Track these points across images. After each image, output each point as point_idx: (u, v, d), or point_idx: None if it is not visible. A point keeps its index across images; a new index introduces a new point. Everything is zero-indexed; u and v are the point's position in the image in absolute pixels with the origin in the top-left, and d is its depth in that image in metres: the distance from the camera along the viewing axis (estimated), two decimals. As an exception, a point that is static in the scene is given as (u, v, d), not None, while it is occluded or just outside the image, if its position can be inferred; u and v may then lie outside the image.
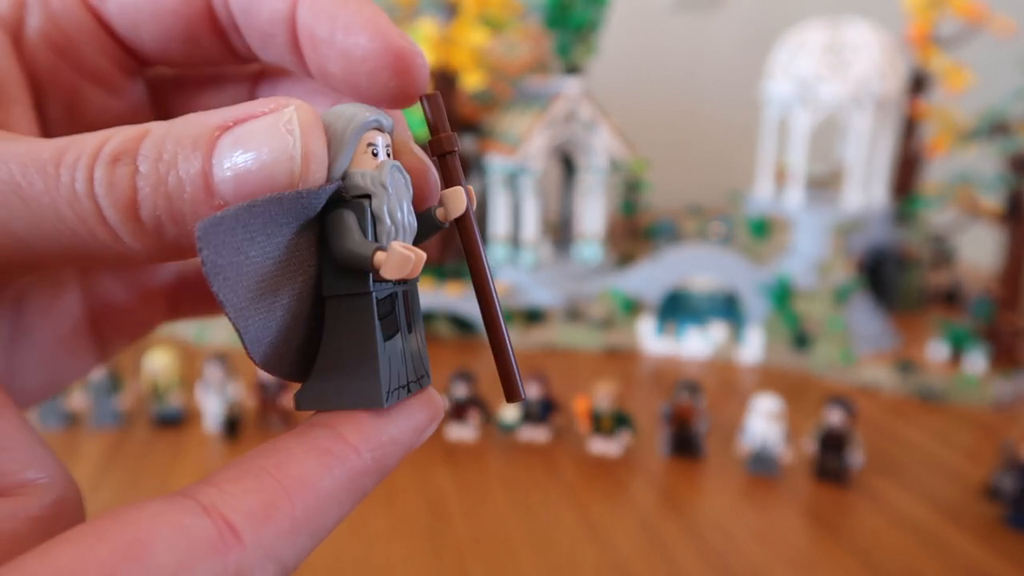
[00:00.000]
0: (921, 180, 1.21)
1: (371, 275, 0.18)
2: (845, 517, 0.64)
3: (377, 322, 0.18)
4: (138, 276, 0.27)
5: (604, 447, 0.73)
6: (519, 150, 1.05)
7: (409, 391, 0.19)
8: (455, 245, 1.16)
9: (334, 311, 0.18)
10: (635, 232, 1.31)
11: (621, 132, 1.11)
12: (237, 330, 0.17)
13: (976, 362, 0.90)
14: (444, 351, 0.99)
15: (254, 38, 0.20)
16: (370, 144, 0.18)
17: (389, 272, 0.17)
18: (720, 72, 1.72)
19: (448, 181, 0.20)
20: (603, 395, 0.72)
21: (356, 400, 0.18)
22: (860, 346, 0.93)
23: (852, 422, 0.68)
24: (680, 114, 1.71)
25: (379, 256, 0.17)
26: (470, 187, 0.20)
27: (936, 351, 0.95)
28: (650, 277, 1.01)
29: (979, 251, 1.25)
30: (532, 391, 0.75)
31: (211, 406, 0.74)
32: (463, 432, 0.75)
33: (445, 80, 1.07)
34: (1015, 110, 0.95)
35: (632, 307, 1.01)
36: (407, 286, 0.19)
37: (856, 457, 0.68)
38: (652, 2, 1.71)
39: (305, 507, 0.16)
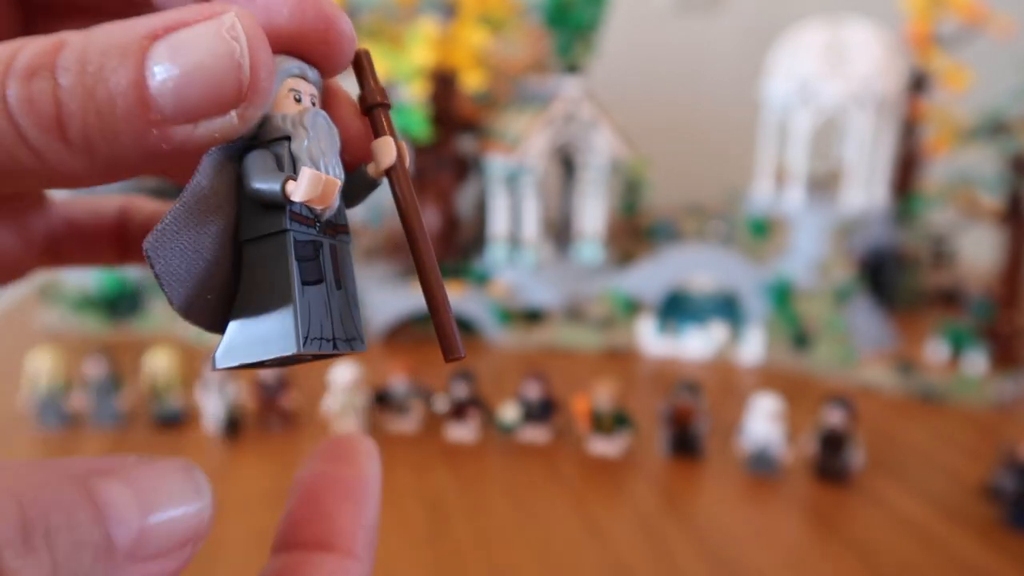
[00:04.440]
0: (921, 180, 1.21)
1: (288, 213, 0.17)
2: (845, 517, 0.64)
3: (294, 261, 0.17)
4: (12, 213, 0.24)
5: (604, 447, 0.73)
6: (519, 150, 1.05)
7: (336, 348, 0.18)
8: (455, 244, 1.16)
9: (251, 255, 0.18)
10: (635, 232, 1.31)
11: (622, 132, 1.11)
12: (166, 295, 0.17)
13: (976, 362, 0.90)
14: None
15: None
16: (292, 90, 0.18)
17: (300, 194, 0.16)
18: (720, 72, 1.72)
19: (377, 135, 0.19)
20: (603, 395, 0.72)
21: (271, 346, 0.17)
22: (860, 346, 0.93)
23: (852, 422, 0.68)
24: (680, 114, 1.71)
25: (290, 184, 0.17)
26: (402, 142, 0.19)
27: (936, 351, 0.95)
28: (650, 277, 1.01)
29: (979, 251, 1.25)
30: (532, 391, 0.75)
31: (211, 406, 0.74)
32: (463, 432, 0.75)
33: (445, 80, 1.07)
34: (1015, 110, 0.95)
35: (632, 307, 1.01)
36: (336, 240, 0.19)
37: (856, 457, 0.68)
38: (652, 2, 1.71)
39: None
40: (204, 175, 0.17)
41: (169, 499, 0.15)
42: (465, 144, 1.16)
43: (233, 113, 0.16)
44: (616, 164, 1.12)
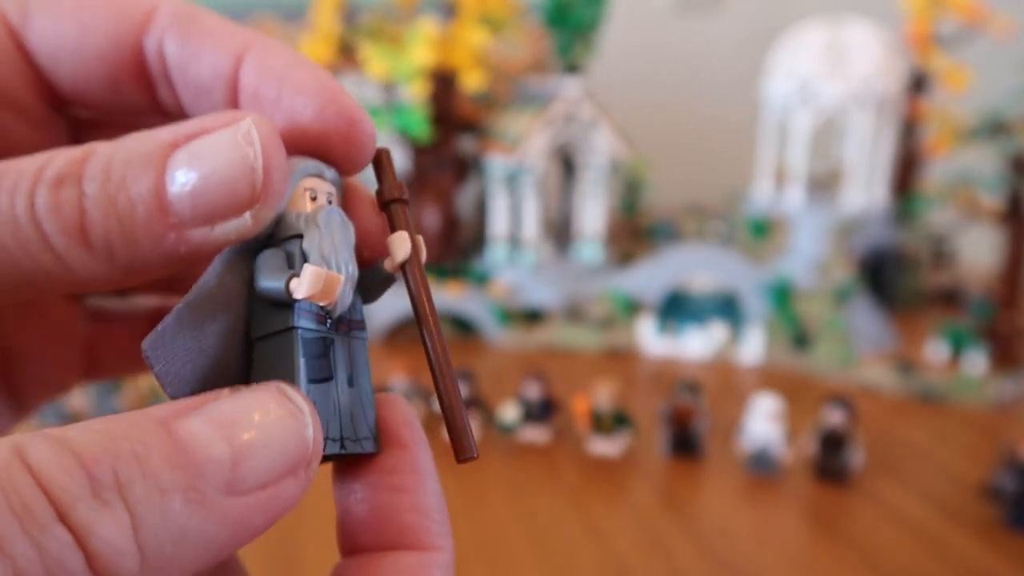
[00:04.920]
0: (921, 180, 1.21)
1: (296, 311, 0.17)
2: (845, 517, 0.64)
3: (301, 359, 0.17)
4: (52, 322, 0.24)
5: (604, 447, 0.73)
6: (519, 150, 1.05)
7: (343, 448, 0.18)
8: (455, 244, 1.16)
9: (260, 353, 0.18)
10: (635, 232, 1.30)
11: (622, 132, 1.11)
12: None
13: (976, 362, 0.90)
14: (444, 351, 0.99)
15: (188, 93, 0.19)
16: (308, 189, 0.18)
17: (303, 291, 0.16)
18: (720, 72, 1.72)
19: (394, 229, 0.19)
20: (603, 395, 0.72)
21: None
22: (860, 346, 0.93)
23: (852, 422, 0.68)
24: (680, 114, 1.71)
25: (293, 281, 0.17)
26: (418, 237, 0.19)
27: (936, 351, 0.95)
28: (650, 277, 1.01)
29: (979, 251, 1.25)
30: (532, 391, 0.75)
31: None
32: (463, 432, 0.75)
33: (445, 80, 1.07)
34: (1015, 110, 0.95)
35: (632, 307, 1.01)
36: (349, 336, 0.18)
37: (856, 457, 0.68)
38: (652, 2, 1.71)
39: None
40: (212, 274, 0.17)
41: (261, 425, 0.15)
42: (465, 144, 1.16)
43: (248, 214, 0.16)
44: (616, 164, 1.12)
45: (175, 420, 0.14)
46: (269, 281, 0.17)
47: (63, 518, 0.12)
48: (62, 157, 0.16)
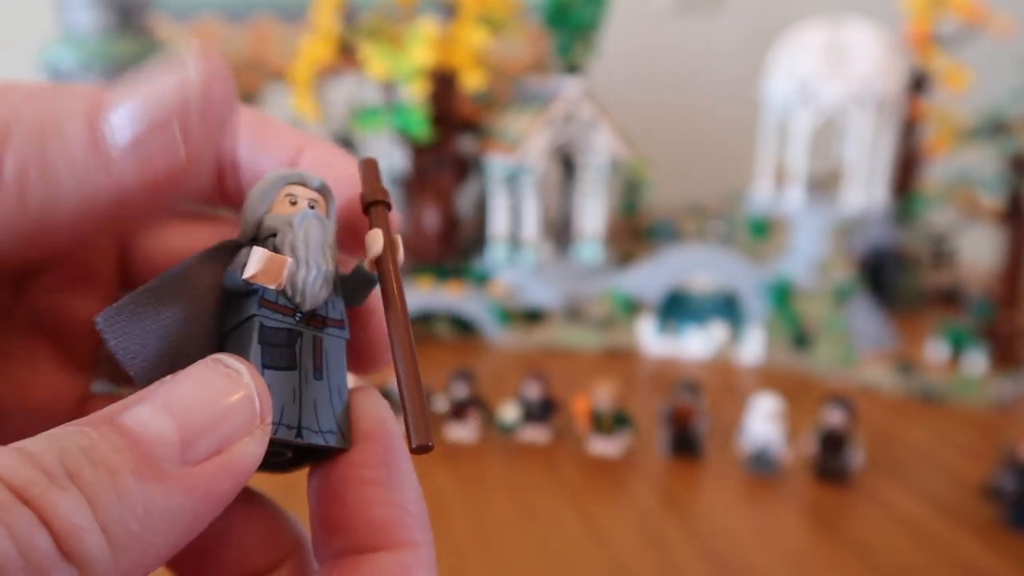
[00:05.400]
0: (921, 180, 1.21)
1: (258, 300, 0.18)
2: (845, 517, 0.64)
3: (257, 345, 0.17)
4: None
5: (604, 447, 0.73)
6: (519, 150, 1.05)
7: (300, 436, 0.17)
8: (455, 244, 1.16)
9: (226, 344, 0.18)
10: (635, 232, 1.30)
11: (622, 132, 1.11)
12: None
13: (976, 362, 0.90)
14: (444, 351, 0.99)
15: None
16: (288, 195, 0.19)
17: (249, 270, 0.17)
18: (720, 72, 1.72)
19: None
20: (603, 395, 0.72)
21: None
22: (860, 346, 0.93)
23: (852, 422, 0.68)
24: (680, 114, 1.71)
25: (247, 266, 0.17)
26: (396, 236, 0.19)
27: (936, 351, 0.95)
28: (650, 277, 1.01)
29: (979, 251, 1.25)
30: (532, 391, 0.75)
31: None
32: (463, 432, 0.75)
33: (445, 80, 1.07)
34: (1015, 110, 0.94)
35: (632, 307, 1.01)
36: (322, 333, 0.19)
37: (856, 457, 0.68)
38: (652, 2, 1.71)
39: None
40: (183, 264, 0.18)
41: (201, 394, 0.15)
42: (465, 144, 1.16)
43: (178, 137, 0.16)
44: (616, 164, 1.12)
45: (119, 414, 0.14)
46: (230, 269, 0.18)
47: (24, 501, 0.13)
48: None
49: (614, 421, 0.72)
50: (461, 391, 0.75)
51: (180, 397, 0.15)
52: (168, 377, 0.16)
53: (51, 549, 0.13)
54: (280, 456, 0.19)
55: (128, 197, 0.16)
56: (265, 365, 0.17)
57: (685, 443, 0.72)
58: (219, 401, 0.15)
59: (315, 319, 0.19)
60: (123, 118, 0.16)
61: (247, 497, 0.20)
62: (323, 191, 0.20)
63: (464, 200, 1.21)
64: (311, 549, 0.19)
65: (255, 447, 0.16)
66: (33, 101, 0.16)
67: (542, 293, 1.06)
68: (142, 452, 0.14)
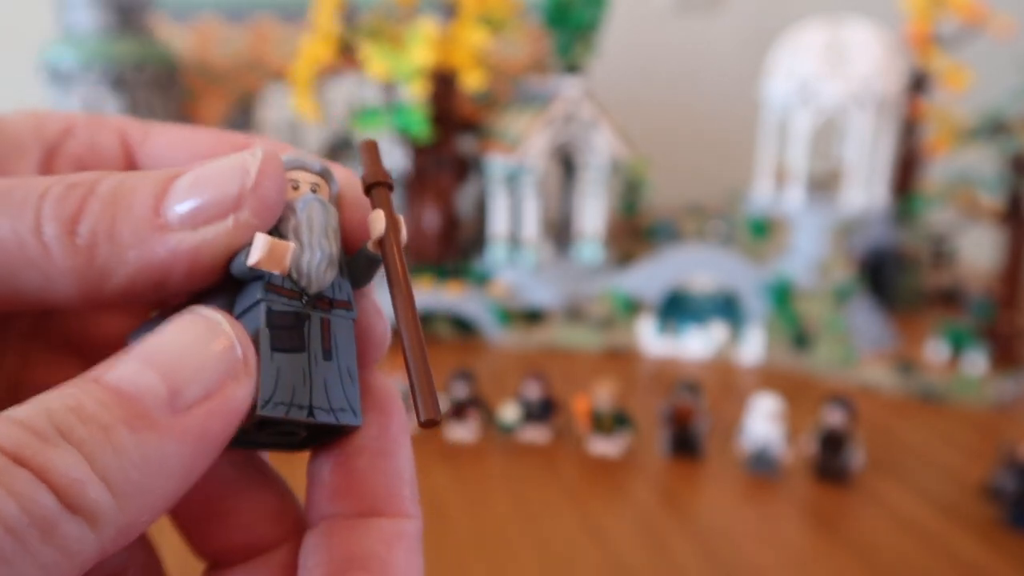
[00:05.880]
0: (921, 180, 1.21)
1: (264, 286, 0.18)
2: (845, 517, 0.64)
3: (265, 328, 0.18)
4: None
5: (604, 447, 0.73)
6: (519, 150, 1.05)
7: (311, 415, 0.18)
8: (455, 244, 1.16)
9: None
10: (635, 232, 1.30)
11: (622, 132, 1.11)
12: None
13: (976, 362, 0.90)
14: (444, 351, 0.99)
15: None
16: (290, 180, 0.19)
17: (253, 257, 0.17)
18: (720, 72, 1.72)
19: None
20: (603, 395, 0.72)
21: None
22: (860, 346, 0.93)
23: (852, 422, 0.68)
24: (680, 114, 1.71)
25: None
26: (398, 216, 0.19)
27: (936, 351, 0.95)
28: (650, 277, 1.01)
29: (979, 251, 1.25)
30: (532, 391, 0.75)
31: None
32: (463, 432, 0.75)
33: (445, 80, 1.07)
34: (1015, 110, 0.94)
35: (632, 307, 1.01)
36: (330, 315, 0.19)
37: (856, 457, 0.68)
38: (652, 2, 1.71)
39: None
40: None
41: (181, 343, 0.16)
42: (465, 144, 1.16)
43: (230, 218, 0.17)
44: (616, 164, 1.12)
45: (104, 373, 0.15)
46: (236, 257, 0.18)
47: (19, 463, 0.13)
48: (79, 176, 0.17)
49: (614, 421, 0.72)
50: (461, 391, 0.75)
51: (162, 349, 0.16)
52: (148, 333, 0.16)
53: (54, 504, 0.13)
54: (294, 436, 0.19)
55: (178, 270, 0.17)
56: (274, 348, 0.18)
57: (685, 443, 0.72)
58: (201, 349, 0.16)
59: (322, 301, 0.19)
60: (186, 204, 0.17)
61: (261, 470, 0.21)
62: (324, 175, 0.20)
63: (464, 200, 1.21)
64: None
65: (242, 390, 0.16)
66: (113, 174, 0.17)
67: (542, 293, 1.06)
68: (131, 406, 0.14)
